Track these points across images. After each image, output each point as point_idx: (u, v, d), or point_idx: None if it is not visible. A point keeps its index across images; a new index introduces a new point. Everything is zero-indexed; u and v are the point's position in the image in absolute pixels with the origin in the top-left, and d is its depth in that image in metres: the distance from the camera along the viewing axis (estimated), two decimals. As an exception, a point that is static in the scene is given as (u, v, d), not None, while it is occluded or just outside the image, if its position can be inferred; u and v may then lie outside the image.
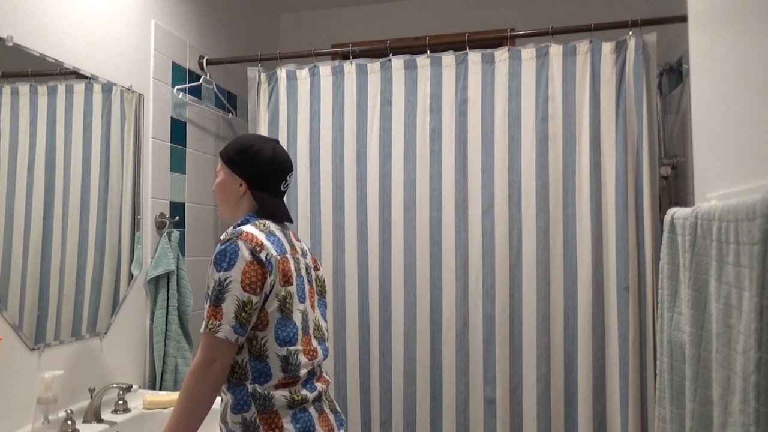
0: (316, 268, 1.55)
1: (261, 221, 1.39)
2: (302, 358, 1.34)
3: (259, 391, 1.29)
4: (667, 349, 1.08)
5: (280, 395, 1.29)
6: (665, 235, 1.09)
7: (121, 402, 1.78)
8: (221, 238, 1.33)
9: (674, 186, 2.41)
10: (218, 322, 1.25)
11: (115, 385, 1.72)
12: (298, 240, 1.51)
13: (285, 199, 2.32)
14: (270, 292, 1.31)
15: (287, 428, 1.28)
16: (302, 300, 1.39)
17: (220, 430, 1.33)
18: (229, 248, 1.29)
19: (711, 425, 0.90)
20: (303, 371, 1.34)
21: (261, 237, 1.32)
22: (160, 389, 2.06)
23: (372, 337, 2.22)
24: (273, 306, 1.31)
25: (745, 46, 0.92)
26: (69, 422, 1.57)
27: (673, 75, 2.40)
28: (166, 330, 2.09)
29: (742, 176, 0.93)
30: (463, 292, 2.17)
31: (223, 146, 1.47)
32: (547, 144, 2.12)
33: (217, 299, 1.27)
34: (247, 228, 1.34)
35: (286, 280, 1.34)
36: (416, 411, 2.16)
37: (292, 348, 1.32)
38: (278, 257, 1.33)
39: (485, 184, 2.16)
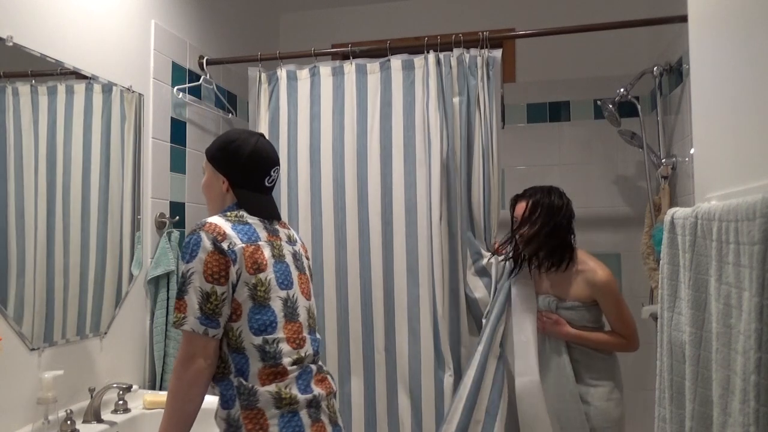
0: (307, 258, 1.52)
1: (234, 212, 1.37)
2: (284, 347, 1.29)
3: (244, 384, 1.25)
4: (667, 349, 1.08)
5: (266, 391, 1.25)
6: (665, 235, 1.09)
7: (121, 402, 1.78)
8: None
9: (674, 186, 2.41)
10: (183, 315, 1.23)
11: (115, 385, 1.72)
12: (284, 228, 1.48)
13: (285, 197, 2.33)
14: (237, 281, 1.27)
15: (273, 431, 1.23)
16: (286, 286, 1.35)
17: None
18: (192, 239, 1.27)
19: (711, 425, 0.90)
20: (286, 360, 1.29)
21: (225, 227, 1.30)
22: (160, 389, 2.06)
23: (377, 335, 2.22)
24: (243, 295, 1.27)
25: (745, 46, 0.92)
26: (69, 422, 1.57)
27: (673, 75, 2.40)
28: (166, 330, 2.09)
29: (742, 176, 0.93)
30: (464, 292, 2.17)
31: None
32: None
33: (180, 291, 1.25)
34: (213, 219, 1.32)
35: (257, 268, 1.30)
36: (422, 409, 2.16)
37: (269, 336, 1.28)
38: (243, 246, 1.29)
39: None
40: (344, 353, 2.26)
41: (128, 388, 1.74)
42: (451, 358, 2.13)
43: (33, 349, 1.57)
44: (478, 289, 2.14)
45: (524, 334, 1.96)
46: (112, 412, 1.77)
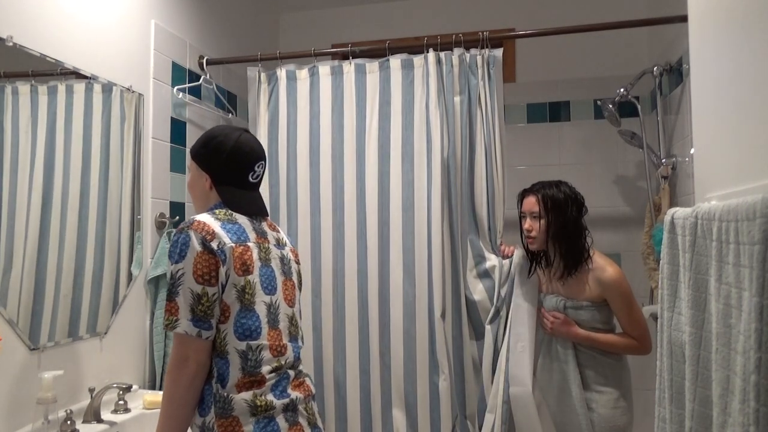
0: (297, 262, 1.49)
1: (223, 210, 1.34)
2: (266, 354, 1.27)
3: (220, 392, 1.22)
4: (667, 349, 1.08)
5: (241, 399, 1.22)
6: (665, 235, 1.09)
7: (121, 402, 1.78)
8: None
9: (674, 186, 2.41)
10: (175, 318, 1.20)
11: (115, 385, 1.72)
12: (274, 230, 1.45)
13: (284, 197, 2.32)
14: (226, 282, 1.25)
15: None
16: (270, 291, 1.32)
17: None
18: (180, 238, 1.24)
19: (711, 425, 0.90)
20: (266, 368, 1.26)
21: (214, 225, 1.27)
22: (160, 389, 2.06)
23: (372, 337, 2.21)
24: (231, 296, 1.25)
25: (745, 46, 0.92)
26: (69, 422, 1.57)
27: (673, 75, 2.40)
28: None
29: (742, 176, 0.93)
30: (463, 292, 2.16)
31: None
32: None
33: (171, 293, 1.22)
34: (202, 216, 1.29)
35: (245, 269, 1.27)
36: (417, 411, 2.16)
37: (253, 342, 1.25)
38: (233, 245, 1.26)
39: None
40: (340, 356, 2.25)
41: (128, 388, 1.74)
42: (447, 362, 2.11)
43: (33, 349, 1.57)
44: (477, 291, 2.13)
45: (521, 341, 1.94)
46: (112, 412, 1.77)
